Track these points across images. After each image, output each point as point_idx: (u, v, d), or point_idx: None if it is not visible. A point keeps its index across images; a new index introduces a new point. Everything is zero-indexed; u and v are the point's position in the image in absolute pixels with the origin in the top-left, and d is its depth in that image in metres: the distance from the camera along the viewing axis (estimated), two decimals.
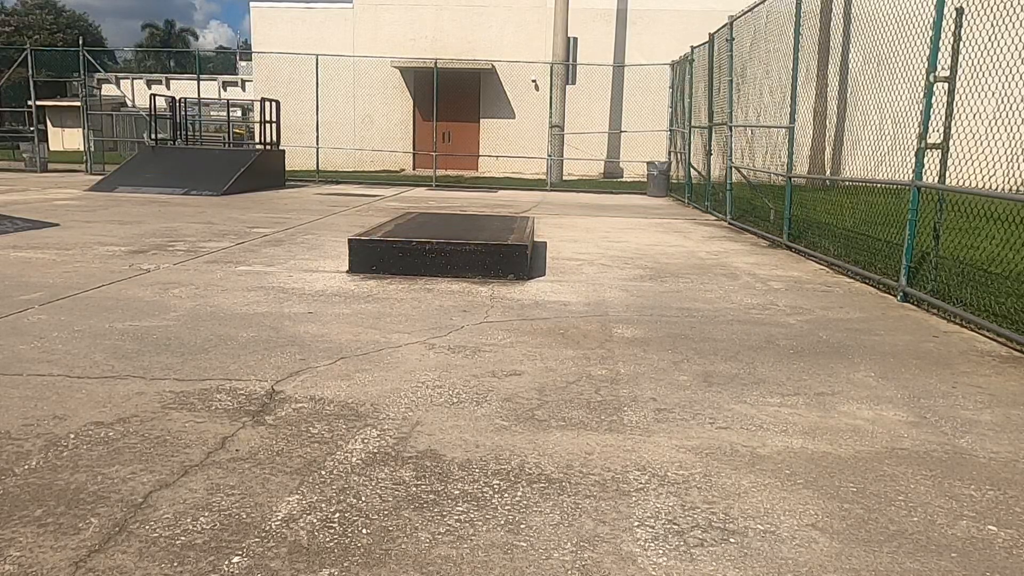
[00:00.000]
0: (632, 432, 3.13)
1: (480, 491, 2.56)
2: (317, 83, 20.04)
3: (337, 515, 2.37)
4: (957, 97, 5.54)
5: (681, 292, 6.14)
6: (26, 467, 2.63)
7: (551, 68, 20.40)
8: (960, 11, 5.39)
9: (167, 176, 14.61)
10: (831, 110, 9.85)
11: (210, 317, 4.85)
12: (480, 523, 2.35)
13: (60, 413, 3.14)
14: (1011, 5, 5.05)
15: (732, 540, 2.30)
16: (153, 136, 17.88)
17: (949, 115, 5.54)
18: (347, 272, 6.50)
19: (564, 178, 20.85)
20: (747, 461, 2.87)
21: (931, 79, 5.70)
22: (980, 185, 5.47)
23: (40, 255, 6.93)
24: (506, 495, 2.54)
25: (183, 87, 29.60)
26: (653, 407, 3.43)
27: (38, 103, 22.06)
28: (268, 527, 2.29)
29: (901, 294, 6.05)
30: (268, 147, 16.93)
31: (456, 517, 2.38)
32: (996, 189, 5.45)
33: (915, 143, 5.96)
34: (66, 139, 36.74)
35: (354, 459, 2.79)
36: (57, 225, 9.04)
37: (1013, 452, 3.04)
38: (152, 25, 62.10)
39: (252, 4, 23.96)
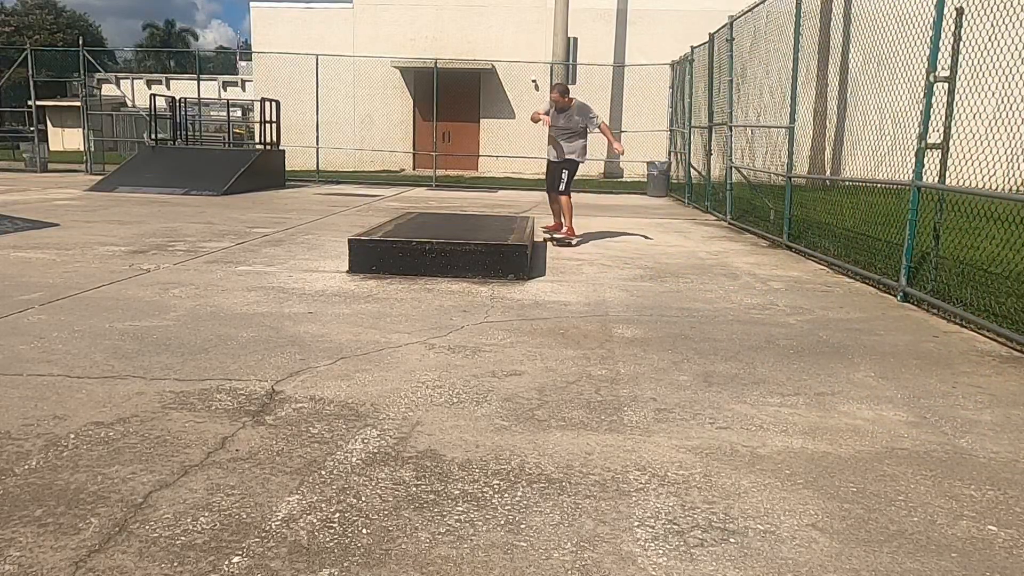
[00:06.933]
0: (632, 432, 3.13)
1: (480, 491, 2.56)
2: (317, 83, 20.02)
3: (337, 515, 2.37)
4: (957, 97, 5.54)
5: (681, 292, 6.14)
6: (26, 467, 2.63)
7: (551, 68, 20.37)
8: (960, 11, 5.39)
9: (167, 176, 14.59)
10: (831, 110, 9.85)
11: (210, 317, 4.85)
12: (480, 523, 2.35)
13: (60, 413, 3.14)
14: (1011, 5, 5.05)
15: (732, 540, 2.30)
16: (153, 136, 17.87)
17: (949, 115, 5.54)
18: (347, 272, 6.50)
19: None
20: (747, 461, 2.87)
21: (931, 79, 5.70)
22: (980, 185, 5.46)
23: (40, 255, 6.93)
24: (506, 495, 2.54)
25: (183, 87, 29.60)
26: (653, 407, 3.43)
27: (38, 103, 22.04)
28: (268, 527, 2.29)
29: (901, 294, 6.05)
30: (268, 147, 16.92)
31: (456, 517, 2.38)
32: (996, 189, 5.44)
33: (915, 143, 5.96)
34: (66, 139, 36.70)
35: (354, 459, 2.79)
36: (57, 225, 9.04)
37: (1013, 452, 3.04)
38: (152, 25, 62.13)
39: (252, 4, 23.94)
